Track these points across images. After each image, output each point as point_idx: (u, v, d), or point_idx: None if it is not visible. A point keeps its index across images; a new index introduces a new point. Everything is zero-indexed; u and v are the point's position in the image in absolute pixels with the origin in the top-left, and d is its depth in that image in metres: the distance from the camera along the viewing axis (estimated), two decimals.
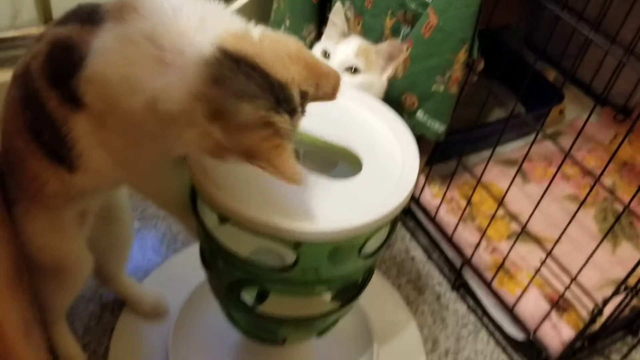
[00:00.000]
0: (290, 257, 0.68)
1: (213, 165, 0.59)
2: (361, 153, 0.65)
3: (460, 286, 1.05)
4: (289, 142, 0.51)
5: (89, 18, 0.57)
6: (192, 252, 1.00)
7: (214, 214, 0.67)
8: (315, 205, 0.59)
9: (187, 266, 0.99)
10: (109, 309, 0.93)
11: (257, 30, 0.53)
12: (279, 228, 0.55)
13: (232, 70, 0.49)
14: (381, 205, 0.59)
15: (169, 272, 0.99)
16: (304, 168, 0.62)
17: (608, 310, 0.84)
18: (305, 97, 0.52)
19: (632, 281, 0.80)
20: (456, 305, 1.03)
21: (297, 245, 0.58)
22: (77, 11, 0.59)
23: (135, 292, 0.92)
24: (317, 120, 0.67)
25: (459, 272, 1.03)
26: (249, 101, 0.50)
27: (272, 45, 0.52)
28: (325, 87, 0.53)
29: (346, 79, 0.83)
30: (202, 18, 0.53)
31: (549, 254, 0.87)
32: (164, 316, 0.91)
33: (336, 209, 0.59)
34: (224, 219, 0.67)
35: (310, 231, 0.55)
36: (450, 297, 1.05)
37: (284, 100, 0.51)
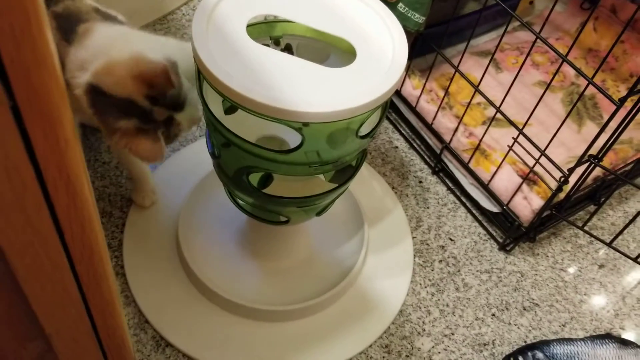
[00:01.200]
0: (292, 143, 0.75)
1: (219, 58, 0.64)
2: (354, 41, 0.70)
3: (439, 170, 1.14)
4: (152, 131, 0.73)
5: (66, 36, 0.74)
6: (189, 151, 1.08)
7: (221, 104, 0.73)
8: (316, 91, 0.65)
9: (188, 162, 1.06)
10: (118, 206, 1.00)
11: (120, 58, 0.71)
12: (287, 111, 0.61)
13: (96, 98, 0.71)
14: (376, 89, 0.65)
15: (172, 168, 1.05)
16: (300, 59, 0.68)
17: (573, 179, 0.94)
18: (155, 95, 0.71)
19: (595, 152, 0.89)
20: (437, 188, 1.13)
21: (302, 126, 0.65)
22: (63, 25, 0.75)
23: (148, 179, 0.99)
24: (311, 12, 0.72)
25: (438, 157, 1.12)
26: (109, 116, 0.72)
27: (122, 69, 0.70)
28: (160, 84, 0.70)
29: None
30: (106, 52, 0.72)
31: (520, 132, 0.95)
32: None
33: (336, 93, 0.65)
34: (232, 107, 0.73)
35: (315, 112, 0.62)
36: (431, 181, 1.14)
37: (135, 107, 0.70)
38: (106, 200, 1.00)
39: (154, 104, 0.71)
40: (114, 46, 0.73)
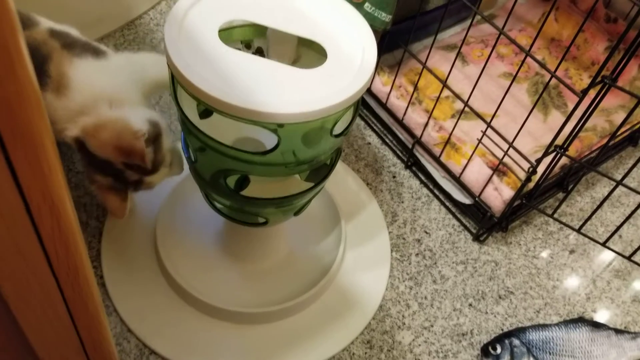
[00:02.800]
0: (268, 144, 0.76)
1: (193, 63, 0.65)
2: (324, 43, 0.71)
3: (412, 165, 1.16)
4: (122, 190, 0.82)
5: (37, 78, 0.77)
6: None
7: (195, 108, 0.74)
8: (290, 92, 0.66)
9: None
10: (94, 215, 0.99)
11: (107, 122, 0.78)
12: (262, 113, 0.62)
13: (82, 148, 0.78)
14: (348, 88, 0.67)
15: None
16: (273, 61, 0.69)
17: (541, 169, 0.97)
18: (130, 164, 0.78)
19: (560, 142, 0.92)
20: (410, 182, 1.15)
21: (278, 127, 0.66)
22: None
23: None
24: (280, 15, 0.73)
25: (410, 152, 1.14)
26: (90, 166, 0.80)
27: (105, 135, 0.77)
28: (135, 160, 0.77)
29: None
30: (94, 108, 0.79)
31: (488, 125, 0.97)
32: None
33: (309, 94, 0.66)
34: (207, 111, 0.73)
35: (290, 112, 0.63)
36: (405, 175, 1.16)
37: (111, 167, 0.78)
38: (82, 210, 0.99)
39: (128, 168, 0.78)
40: (100, 100, 0.80)
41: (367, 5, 0.99)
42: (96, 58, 0.84)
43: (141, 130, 0.77)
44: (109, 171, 0.79)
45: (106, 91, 0.81)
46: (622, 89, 0.82)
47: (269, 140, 0.74)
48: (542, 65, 0.86)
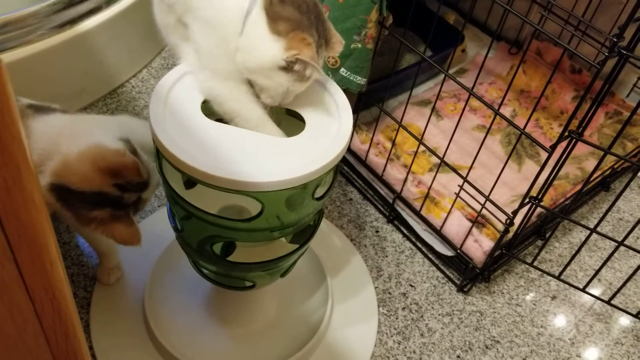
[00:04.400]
0: (252, 210, 0.78)
1: (177, 138, 0.67)
2: (302, 111, 0.75)
3: (394, 219, 1.19)
4: (126, 215, 0.76)
5: None
6: (149, 223, 1.09)
7: (180, 179, 0.76)
8: (271, 160, 0.68)
9: (150, 234, 1.07)
10: (82, 286, 1.00)
11: (76, 153, 0.73)
12: (246, 182, 0.65)
13: (62, 195, 0.73)
14: (326, 154, 0.70)
15: None
16: (253, 131, 0.72)
17: (518, 219, 1.00)
18: (124, 184, 0.74)
19: (535, 192, 0.95)
20: (393, 236, 1.17)
21: (261, 195, 0.68)
22: None
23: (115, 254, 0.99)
24: None
25: (392, 206, 1.16)
26: (81, 209, 0.74)
27: (85, 165, 0.72)
28: (130, 175, 0.74)
29: None
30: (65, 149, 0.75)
31: (465, 179, 1.01)
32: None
33: (289, 161, 0.69)
34: (192, 182, 0.76)
35: (272, 181, 0.65)
36: (387, 229, 1.18)
37: (106, 197, 0.73)
38: (69, 281, 0.99)
39: (124, 191, 0.74)
40: (60, 140, 0.75)
41: (342, 70, 1.03)
42: (56, 114, 0.83)
43: (121, 147, 0.74)
44: (105, 202, 0.73)
45: (64, 133, 0.77)
46: (588, 142, 0.86)
47: (253, 205, 0.76)
48: (511, 123, 0.90)
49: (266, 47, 0.68)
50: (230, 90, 0.72)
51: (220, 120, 0.73)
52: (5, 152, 0.29)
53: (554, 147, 0.84)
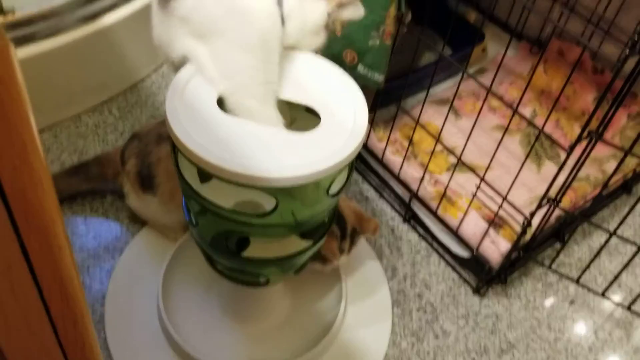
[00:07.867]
0: (268, 205, 0.78)
1: (193, 132, 0.67)
2: (318, 107, 0.74)
3: (410, 218, 1.18)
4: None
5: None
6: None
7: (196, 173, 0.76)
8: (286, 155, 0.68)
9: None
10: (97, 279, 1.00)
11: None
12: (260, 177, 0.64)
13: None
14: (341, 150, 0.69)
15: (149, 238, 1.07)
16: (268, 126, 0.71)
17: (536, 221, 0.98)
18: None
19: (553, 193, 0.94)
20: (409, 235, 1.16)
21: (275, 191, 0.68)
22: None
23: None
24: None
25: (408, 206, 1.15)
26: None
27: None
28: None
29: None
30: None
31: (482, 179, 0.99)
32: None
33: (304, 157, 0.68)
34: (208, 176, 0.75)
35: (287, 176, 0.65)
36: (403, 229, 1.17)
37: None
38: (85, 273, 1.00)
39: None
40: None
41: (360, 67, 1.02)
42: None
43: None
44: None
45: None
46: (608, 143, 0.84)
47: (268, 200, 0.76)
48: (531, 122, 0.88)
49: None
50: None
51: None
52: (13, 132, 0.29)
53: (572, 147, 0.82)
